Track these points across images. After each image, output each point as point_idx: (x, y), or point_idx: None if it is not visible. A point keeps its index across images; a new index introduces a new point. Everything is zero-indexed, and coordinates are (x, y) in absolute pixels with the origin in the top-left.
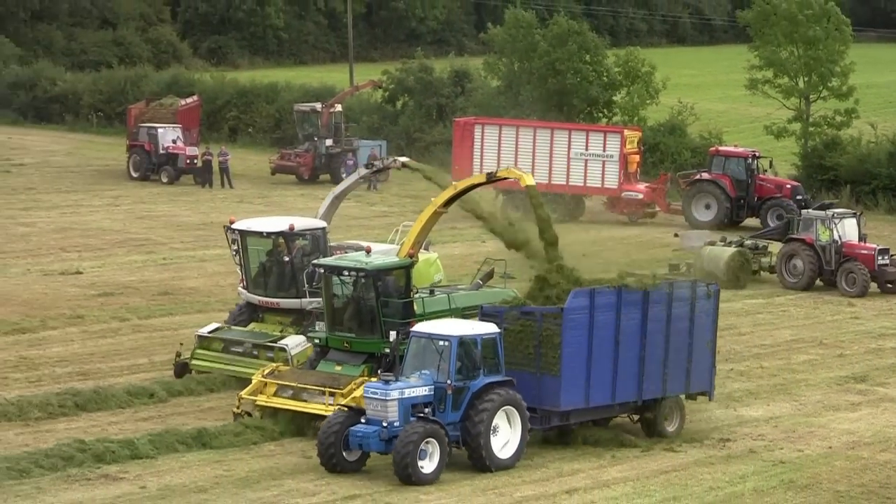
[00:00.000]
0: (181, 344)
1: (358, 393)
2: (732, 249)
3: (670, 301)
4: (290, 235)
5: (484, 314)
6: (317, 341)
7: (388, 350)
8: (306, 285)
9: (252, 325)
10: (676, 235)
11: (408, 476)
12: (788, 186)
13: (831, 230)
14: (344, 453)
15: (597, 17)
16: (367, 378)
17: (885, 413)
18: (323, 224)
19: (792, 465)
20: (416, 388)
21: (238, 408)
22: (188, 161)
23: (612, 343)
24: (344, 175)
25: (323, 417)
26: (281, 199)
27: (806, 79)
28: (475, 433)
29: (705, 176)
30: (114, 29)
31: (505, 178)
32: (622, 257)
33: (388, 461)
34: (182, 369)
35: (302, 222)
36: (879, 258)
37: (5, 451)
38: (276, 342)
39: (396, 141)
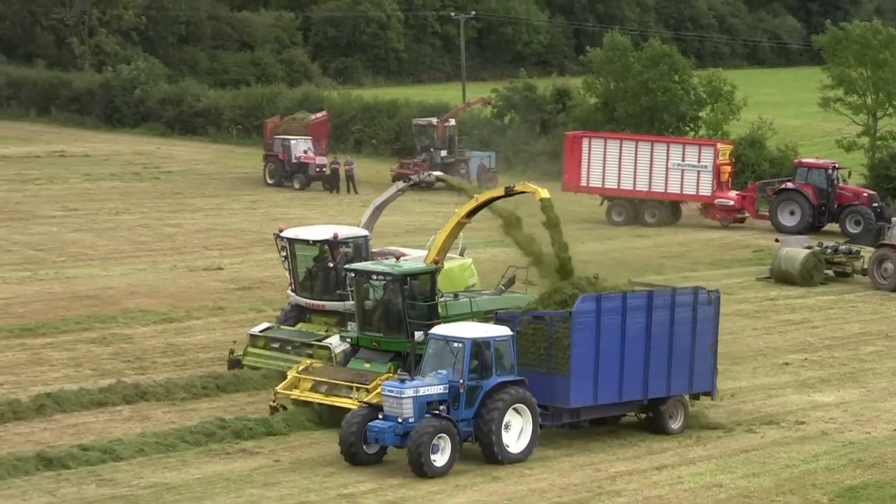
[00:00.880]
0: (234, 342)
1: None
2: (807, 251)
3: (673, 306)
4: (334, 243)
5: (499, 318)
6: (349, 340)
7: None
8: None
9: (299, 326)
10: (777, 241)
11: (420, 468)
12: (865, 195)
13: None
14: (364, 447)
15: (685, 42)
16: (391, 375)
17: None
18: (365, 232)
19: (860, 446)
20: (430, 386)
21: (274, 401)
22: (318, 169)
23: (618, 345)
24: None
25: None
26: (399, 203)
27: (874, 97)
28: (486, 429)
29: (790, 185)
30: (252, 51)
31: (522, 192)
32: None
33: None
34: (235, 365)
35: (345, 231)
36: None
37: (154, 427)
38: (320, 341)
39: (504, 152)
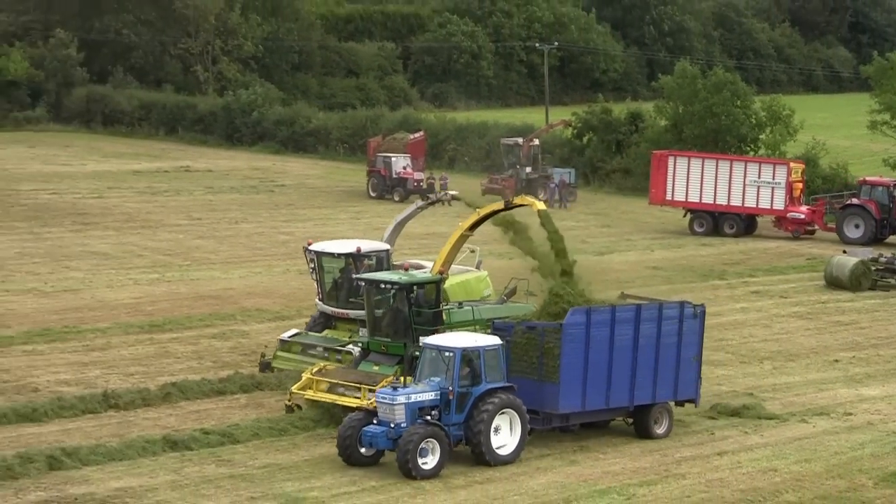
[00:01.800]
0: (265, 346)
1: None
2: (856, 259)
3: (660, 319)
4: (357, 256)
5: (495, 328)
6: (360, 345)
7: (416, 354)
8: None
9: (326, 332)
10: (845, 252)
11: (409, 471)
12: None
13: None
14: (361, 449)
15: (746, 70)
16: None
17: None
18: (387, 246)
19: None
20: (422, 393)
21: (290, 401)
22: (415, 183)
23: (606, 355)
24: (541, 196)
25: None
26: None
27: None
28: (476, 432)
29: (855, 201)
30: (357, 77)
31: (521, 205)
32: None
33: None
34: (265, 367)
35: (368, 245)
36: None
37: (268, 414)
38: (344, 346)
39: (582, 169)
